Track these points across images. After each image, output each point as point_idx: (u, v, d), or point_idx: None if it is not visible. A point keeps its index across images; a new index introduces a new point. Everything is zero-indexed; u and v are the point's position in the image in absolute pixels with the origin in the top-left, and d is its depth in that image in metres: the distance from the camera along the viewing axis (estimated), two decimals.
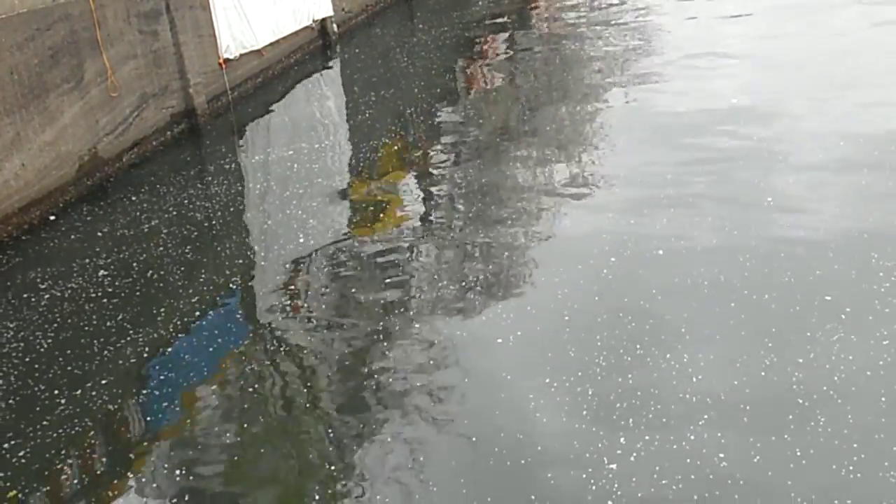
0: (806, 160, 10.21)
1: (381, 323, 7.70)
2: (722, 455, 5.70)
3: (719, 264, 7.97)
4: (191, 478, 6.10)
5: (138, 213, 10.73)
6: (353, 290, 8.43)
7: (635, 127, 12.18)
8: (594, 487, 5.53)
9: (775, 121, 11.63)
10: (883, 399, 6.10)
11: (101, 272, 9.15)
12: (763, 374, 6.43)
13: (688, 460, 5.68)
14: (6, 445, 6.52)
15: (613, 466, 5.67)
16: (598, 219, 9.33)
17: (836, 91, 12.64)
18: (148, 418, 6.83)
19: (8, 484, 6.13)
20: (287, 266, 9.08)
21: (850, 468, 5.53)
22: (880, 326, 6.82)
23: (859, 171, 9.74)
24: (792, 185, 9.53)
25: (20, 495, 6.06)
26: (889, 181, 9.45)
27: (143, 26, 13.15)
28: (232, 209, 10.84)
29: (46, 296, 8.75)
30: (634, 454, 5.76)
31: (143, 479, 6.14)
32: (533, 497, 5.52)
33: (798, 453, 5.68)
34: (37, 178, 10.97)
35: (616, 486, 5.52)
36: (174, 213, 10.78)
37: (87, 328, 8.08)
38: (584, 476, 5.65)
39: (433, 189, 10.98)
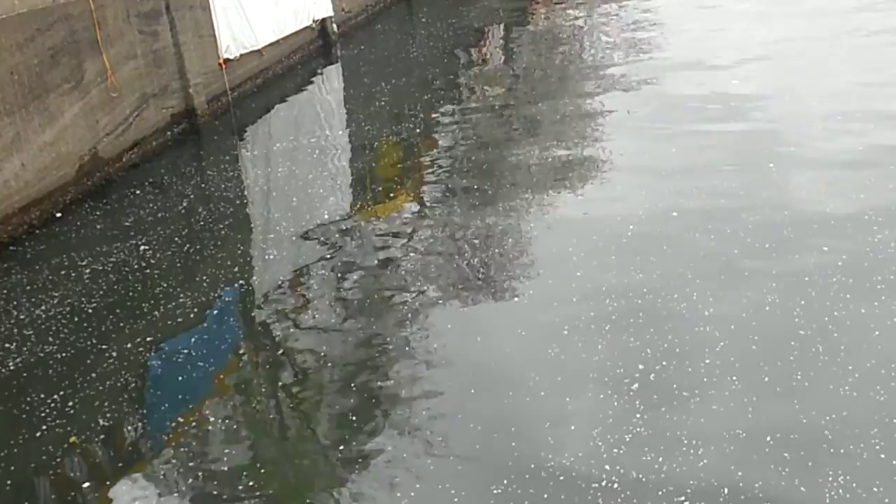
0: (805, 134, 12.09)
1: (403, 288, 9.14)
2: (735, 378, 7.09)
3: (724, 221, 9.56)
4: (233, 427, 7.28)
5: (150, 206, 12.05)
6: (374, 263, 9.81)
7: (640, 106, 14.10)
8: (616, 404, 6.88)
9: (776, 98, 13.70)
10: (876, 333, 7.52)
11: (143, 247, 10.60)
12: (767, 308, 7.92)
13: (704, 379, 7.09)
14: (56, 396, 7.76)
15: (636, 387, 7.04)
16: (609, 193, 11.00)
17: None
18: (189, 375, 8.03)
19: (68, 429, 7.36)
20: (315, 241, 10.53)
21: (846, 388, 6.91)
22: (875, 271, 8.32)
23: (856, 144, 11.54)
24: (793, 156, 11.26)
25: (78, 440, 7.26)
26: (884, 151, 11.22)
27: (143, 26, 14.40)
28: (244, 197, 12.32)
29: (87, 270, 10.12)
30: (653, 375, 7.16)
31: (187, 427, 7.31)
32: (553, 421, 6.76)
33: (800, 376, 7.06)
34: (37, 178, 12.09)
35: (638, 402, 6.87)
36: (193, 196, 12.29)
37: (132, 294, 9.49)
38: (603, 397, 6.98)
39: (443, 175, 12.46)
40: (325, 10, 20.09)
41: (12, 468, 6.92)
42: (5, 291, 9.77)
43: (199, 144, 14.83)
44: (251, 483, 6.54)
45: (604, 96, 15.01)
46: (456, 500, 6.16)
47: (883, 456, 6.19)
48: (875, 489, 5.90)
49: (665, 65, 16.29)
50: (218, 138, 15.08)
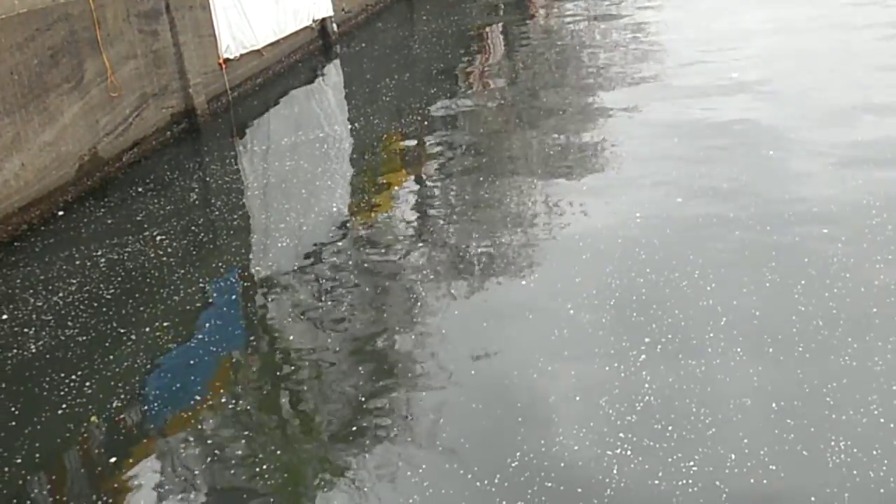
0: (804, 122, 12.93)
1: (410, 272, 9.77)
2: (739, 350, 7.66)
3: (726, 205, 10.22)
4: (247, 410, 7.74)
5: (156, 201, 12.59)
6: (383, 250, 10.42)
7: (640, 94, 15.14)
8: (623, 375, 7.44)
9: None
10: (874, 309, 8.10)
11: (159, 237, 11.20)
12: (768, 284, 8.51)
13: (709, 349, 7.67)
14: (74, 377, 8.27)
15: (643, 357, 7.62)
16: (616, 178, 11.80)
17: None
18: (205, 359, 8.52)
19: (88, 409, 7.86)
20: (325, 229, 11.17)
21: (846, 358, 7.49)
22: (874, 252, 8.94)
23: (854, 129, 12.38)
24: (793, 143, 11.99)
25: (97, 420, 7.76)
26: (882, 140, 11.97)
27: (142, 26, 14.92)
28: (252, 189, 13.02)
29: (103, 260, 10.70)
30: (660, 347, 7.73)
31: (203, 409, 7.79)
32: (560, 395, 7.30)
33: (801, 347, 7.64)
34: (37, 177, 12.52)
35: (645, 373, 7.44)
36: (199, 190, 12.96)
37: (150, 280, 10.06)
38: (609, 370, 7.54)
39: (446, 166, 13.08)
40: (325, 9, 20.81)
41: (36, 444, 7.39)
42: (18, 281, 10.28)
43: (200, 143, 15.39)
44: (265, 466, 6.92)
45: (604, 77, 16.22)
46: (468, 476, 6.54)
47: (882, 420, 6.70)
48: (875, 452, 6.39)
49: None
50: (219, 136, 15.69)
